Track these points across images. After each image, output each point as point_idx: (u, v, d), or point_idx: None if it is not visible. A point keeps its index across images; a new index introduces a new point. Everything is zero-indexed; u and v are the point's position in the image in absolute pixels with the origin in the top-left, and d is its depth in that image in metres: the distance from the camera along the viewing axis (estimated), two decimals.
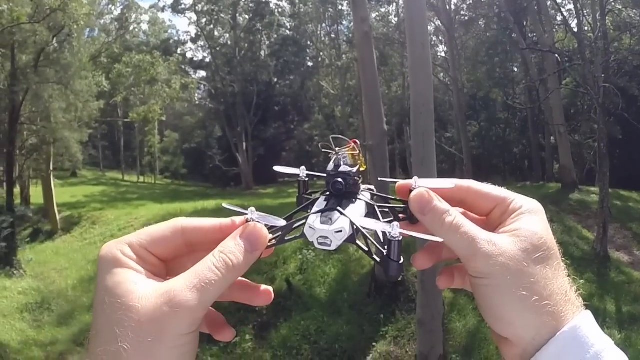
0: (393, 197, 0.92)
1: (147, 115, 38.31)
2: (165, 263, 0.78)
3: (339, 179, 0.83)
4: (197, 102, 60.27)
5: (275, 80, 56.17)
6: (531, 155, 39.59)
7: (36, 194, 34.66)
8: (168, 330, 0.64)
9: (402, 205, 0.90)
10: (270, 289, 0.84)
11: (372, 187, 0.91)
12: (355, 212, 0.81)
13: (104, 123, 50.15)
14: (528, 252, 0.78)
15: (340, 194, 0.83)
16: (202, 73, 59.53)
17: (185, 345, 0.66)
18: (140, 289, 0.67)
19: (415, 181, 0.86)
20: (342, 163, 0.86)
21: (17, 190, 31.55)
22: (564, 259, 0.84)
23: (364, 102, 16.25)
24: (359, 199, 0.86)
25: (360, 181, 0.88)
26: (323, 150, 0.90)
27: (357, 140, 0.88)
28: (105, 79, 35.62)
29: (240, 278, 0.76)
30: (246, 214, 0.76)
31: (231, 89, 50.01)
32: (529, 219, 0.82)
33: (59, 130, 29.49)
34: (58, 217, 31.82)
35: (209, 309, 0.71)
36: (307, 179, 0.91)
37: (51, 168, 32.58)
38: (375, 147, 14.23)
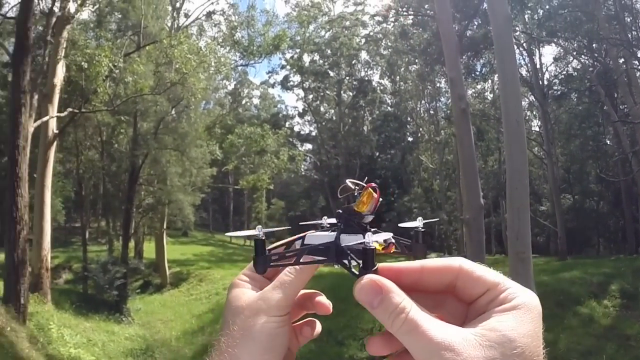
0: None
1: (256, 183, 38.89)
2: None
3: (339, 211, 0.87)
4: (303, 173, 61.17)
5: (377, 154, 56.40)
6: (625, 227, 37.61)
7: (149, 249, 35.64)
8: (261, 314, 0.82)
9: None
10: (324, 302, 0.94)
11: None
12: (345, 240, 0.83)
13: (216, 188, 51.44)
14: None
15: (342, 227, 0.86)
16: (308, 146, 60.77)
17: (275, 325, 0.82)
18: (246, 296, 0.86)
19: (368, 238, 0.77)
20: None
21: (131, 244, 32.72)
22: None
23: (461, 176, 16.01)
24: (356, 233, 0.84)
25: (365, 220, 0.87)
26: (341, 193, 0.90)
27: (371, 185, 0.85)
28: (219, 148, 36.68)
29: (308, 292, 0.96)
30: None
31: (335, 161, 50.59)
32: (514, 318, 0.67)
33: (174, 193, 30.50)
34: (168, 272, 32.59)
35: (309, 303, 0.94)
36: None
37: (164, 227, 33.61)
38: (472, 220, 13.82)
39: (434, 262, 0.78)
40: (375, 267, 0.76)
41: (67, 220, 42.66)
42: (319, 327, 0.95)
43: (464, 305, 0.77)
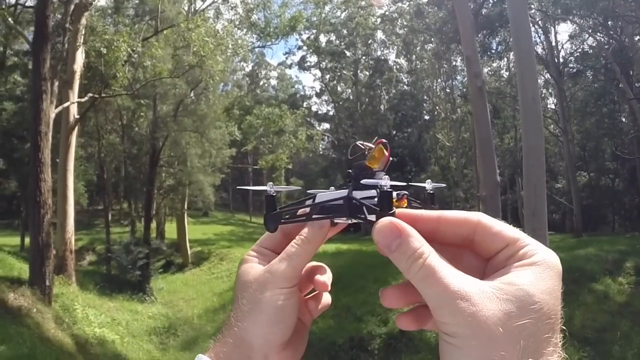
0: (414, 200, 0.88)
1: (275, 163, 38.82)
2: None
3: (349, 171, 0.86)
4: (321, 152, 61.05)
5: (394, 132, 56.06)
6: None
7: (170, 229, 35.86)
8: (268, 287, 0.83)
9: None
10: (321, 280, 0.91)
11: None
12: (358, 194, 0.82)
13: (235, 169, 51.57)
14: (510, 316, 0.60)
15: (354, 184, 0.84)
16: (326, 125, 60.63)
17: (282, 297, 0.83)
18: (254, 270, 0.88)
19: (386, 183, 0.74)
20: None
21: (153, 225, 33.03)
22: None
23: (477, 154, 15.91)
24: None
25: (377, 177, 0.84)
26: (351, 153, 0.90)
27: (382, 141, 0.86)
28: (237, 129, 36.71)
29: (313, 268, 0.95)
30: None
31: (353, 140, 50.17)
32: (534, 273, 0.64)
33: (194, 174, 30.61)
34: (189, 252, 32.85)
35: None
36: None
37: (185, 207, 33.82)
38: (489, 198, 13.73)
39: (452, 213, 0.74)
40: (393, 211, 0.72)
41: (90, 203, 43.00)
42: (327, 300, 0.96)
43: (481, 261, 0.74)
